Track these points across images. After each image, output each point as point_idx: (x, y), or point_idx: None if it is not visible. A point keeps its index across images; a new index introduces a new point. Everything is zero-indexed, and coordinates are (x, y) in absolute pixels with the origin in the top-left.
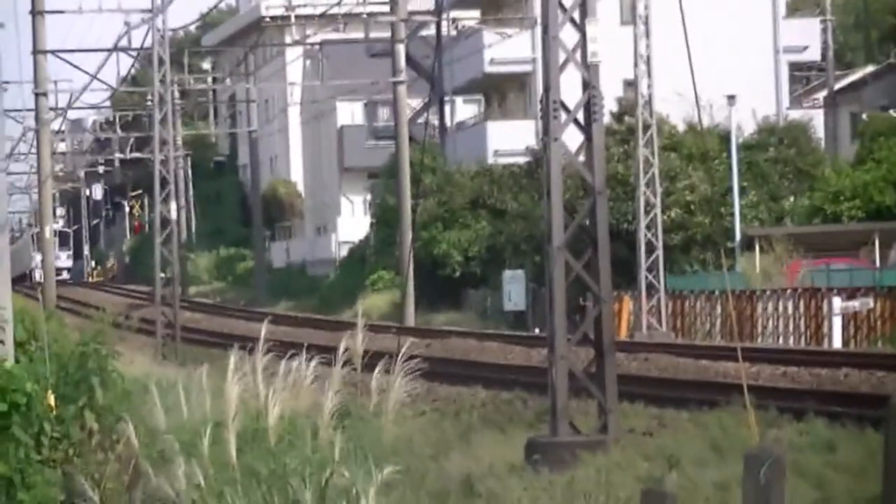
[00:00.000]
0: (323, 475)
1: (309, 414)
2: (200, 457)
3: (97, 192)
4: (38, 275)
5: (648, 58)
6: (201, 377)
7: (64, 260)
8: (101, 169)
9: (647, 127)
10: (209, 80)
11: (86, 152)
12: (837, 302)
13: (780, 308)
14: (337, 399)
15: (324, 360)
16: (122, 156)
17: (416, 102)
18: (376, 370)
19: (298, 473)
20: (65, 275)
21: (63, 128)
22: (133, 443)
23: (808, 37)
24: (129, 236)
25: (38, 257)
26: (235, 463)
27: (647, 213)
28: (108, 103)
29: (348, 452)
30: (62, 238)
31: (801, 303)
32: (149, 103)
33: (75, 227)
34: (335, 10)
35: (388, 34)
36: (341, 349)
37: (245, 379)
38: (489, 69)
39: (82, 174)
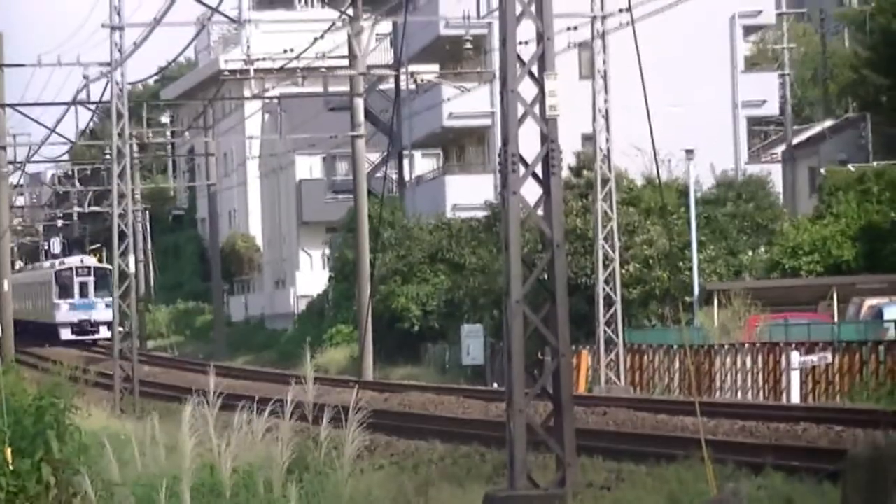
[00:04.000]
0: None
1: (263, 466)
2: None
3: (56, 245)
4: None
5: (607, 112)
6: (155, 430)
7: (101, 311)
8: (59, 222)
9: (605, 181)
10: (168, 133)
11: (44, 206)
12: (796, 356)
13: (739, 362)
14: (291, 451)
15: (279, 414)
16: (80, 209)
17: (375, 156)
18: (324, 422)
19: None
20: (102, 332)
21: (22, 181)
22: (90, 497)
23: (766, 91)
24: None
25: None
26: None
27: (605, 267)
28: (66, 157)
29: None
30: (100, 278)
31: (760, 357)
32: (107, 156)
33: None
34: (294, 64)
35: (346, 88)
36: (290, 401)
37: (200, 432)
38: (448, 123)
39: (41, 227)
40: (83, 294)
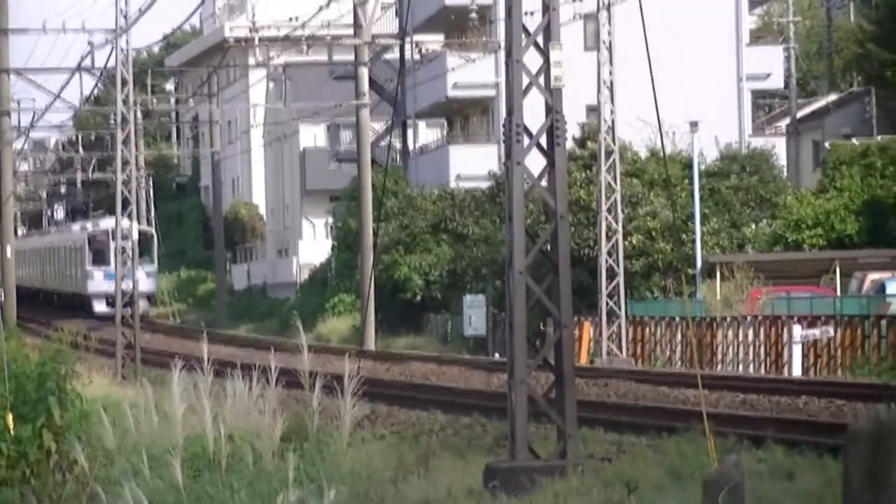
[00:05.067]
0: (275, 499)
1: (261, 435)
2: (151, 479)
3: (59, 212)
4: None
5: (611, 84)
6: (148, 398)
7: (142, 280)
8: (63, 189)
9: (609, 153)
10: (172, 100)
11: (48, 172)
12: (798, 330)
13: (741, 335)
14: (286, 420)
15: (279, 381)
16: (84, 176)
17: (379, 125)
18: (316, 390)
19: (247, 497)
20: (142, 305)
21: (25, 147)
22: (83, 465)
23: (771, 64)
24: None
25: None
26: (181, 486)
27: (608, 238)
28: (70, 123)
29: (303, 475)
30: (143, 243)
31: (762, 330)
32: (111, 123)
33: None
34: (299, 33)
35: (351, 57)
36: (277, 368)
37: (196, 401)
38: (452, 93)
39: (44, 194)
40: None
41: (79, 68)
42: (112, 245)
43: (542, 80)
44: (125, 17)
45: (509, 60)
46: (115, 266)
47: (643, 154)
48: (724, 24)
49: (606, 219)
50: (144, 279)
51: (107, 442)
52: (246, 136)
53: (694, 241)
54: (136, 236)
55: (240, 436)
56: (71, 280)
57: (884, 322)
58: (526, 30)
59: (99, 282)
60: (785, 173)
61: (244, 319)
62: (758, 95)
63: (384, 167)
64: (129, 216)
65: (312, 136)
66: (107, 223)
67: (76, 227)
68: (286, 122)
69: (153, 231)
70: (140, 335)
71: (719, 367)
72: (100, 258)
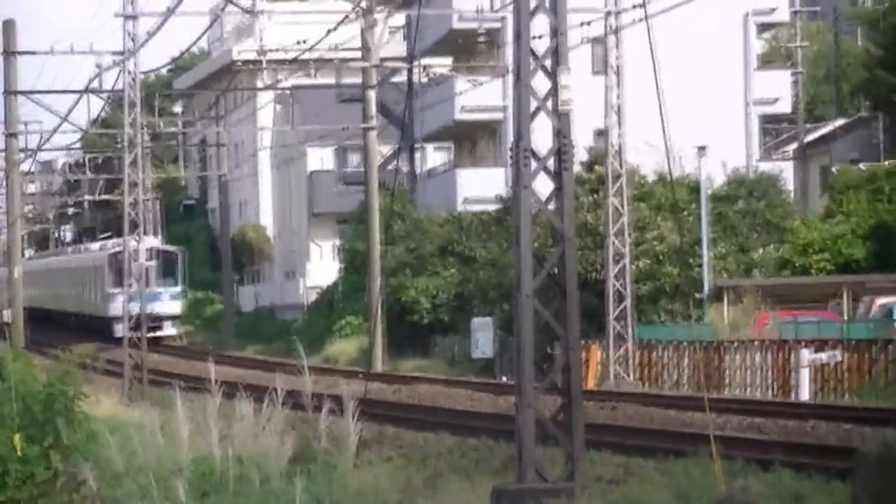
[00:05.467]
0: None
1: (268, 456)
2: (157, 501)
3: (67, 233)
4: (6, 315)
5: (619, 108)
6: (158, 420)
7: (166, 303)
8: (70, 211)
9: (617, 176)
10: (180, 123)
11: (55, 194)
12: (805, 354)
13: (748, 359)
14: (294, 442)
15: (286, 403)
16: (91, 198)
17: (387, 149)
18: (323, 412)
19: None
20: (167, 328)
21: (33, 169)
22: (91, 485)
23: (779, 89)
24: None
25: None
26: None
27: (616, 262)
28: (78, 145)
29: (311, 497)
30: (166, 263)
31: (769, 354)
32: (119, 145)
33: None
34: (307, 56)
35: (359, 80)
36: (285, 390)
37: (203, 422)
38: (460, 116)
39: (52, 216)
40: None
41: (87, 90)
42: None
43: (549, 104)
44: (133, 40)
45: (517, 84)
46: (124, 285)
47: (651, 178)
48: (732, 48)
49: (614, 243)
50: (169, 301)
51: (114, 462)
52: (253, 158)
53: (701, 266)
54: (146, 256)
55: (248, 457)
56: (90, 302)
57: (891, 346)
58: (534, 54)
59: (121, 304)
60: (792, 198)
61: (251, 341)
62: (766, 120)
63: (392, 190)
64: (154, 233)
65: (320, 158)
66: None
67: (95, 246)
68: (294, 144)
69: (178, 250)
70: (148, 356)
71: (727, 390)
72: (121, 279)
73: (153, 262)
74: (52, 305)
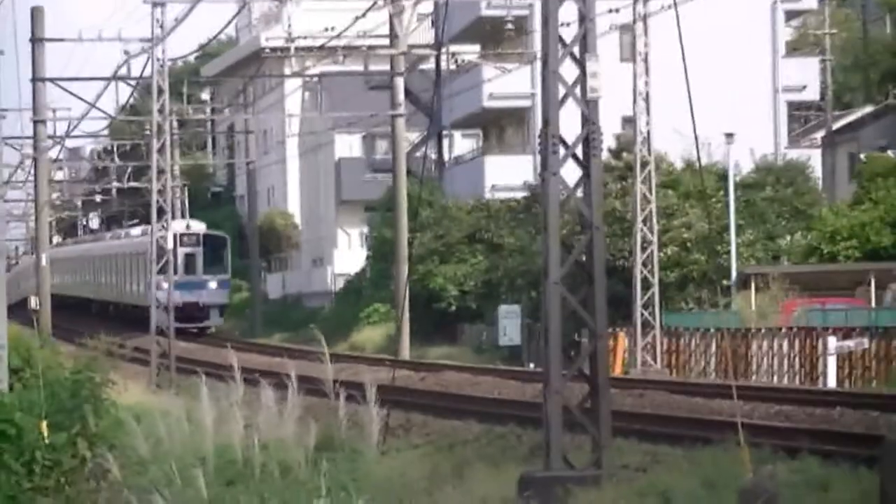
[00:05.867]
0: None
1: (293, 444)
2: (182, 489)
3: (94, 221)
4: (33, 302)
5: (647, 95)
6: (184, 407)
7: (213, 291)
8: (98, 198)
9: (644, 164)
10: (207, 110)
11: (83, 181)
12: (832, 341)
13: (775, 347)
14: (318, 429)
15: (311, 390)
16: (119, 185)
17: (415, 136)
18: (341, 399)
19: None
20: (214, 318)
21: (61, 156)
22: (115, 474)
23: (807, 76)
24: None
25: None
26: (206, 498)
27: (643, 249)
28: (106, 132)
29: (336, 485)
30: (210, 249)
31: (797, 342)
32: (147, 132)
33: None
34: (335, 43)
35: (387, 67)
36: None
37: (231, 409)
38: (488, 103)
39: (79, 203)
40: (190, 269)
41: (115, 77)
42: (181, 252)
43: (578, 90)
44: (161, 27)
45: (545, 71)
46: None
47: (678, 165)
48: (760, 35)
49: (642, 230)
50: (215, 290)
51: (140, 450)
52: (281, 145)
53: (729, 253)
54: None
55: (272, 445)
56: (132, 291)
57: None
58: (562, 41)
59: (165, 293)
60: (820, 185)
61: (279, 328)
62: (793, 107)
63: (419, 177)
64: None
65: (348, 145)
66: (177, 225)
67: (136, 231)
68: (321, 131)
69: (225, 235)
70: (175, 344)
71: (754, 378)
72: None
73: (199, 248)
74: (89, 294)
